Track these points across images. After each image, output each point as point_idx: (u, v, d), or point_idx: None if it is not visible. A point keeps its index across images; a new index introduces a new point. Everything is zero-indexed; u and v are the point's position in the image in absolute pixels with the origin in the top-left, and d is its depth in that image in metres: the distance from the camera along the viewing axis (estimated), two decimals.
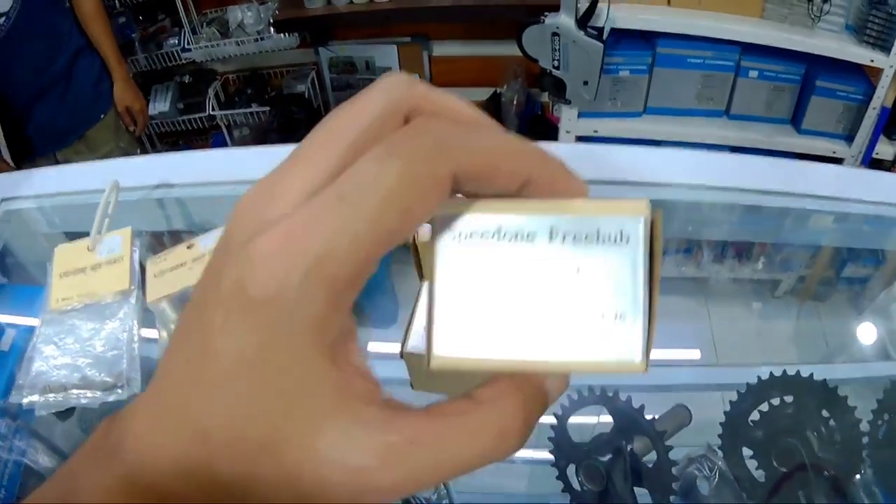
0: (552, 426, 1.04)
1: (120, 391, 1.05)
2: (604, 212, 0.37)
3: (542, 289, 0.36)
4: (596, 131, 3.12)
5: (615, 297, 0.36)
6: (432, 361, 0.36)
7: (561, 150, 1.68)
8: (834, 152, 3.12)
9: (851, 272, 1.64)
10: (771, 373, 1.05)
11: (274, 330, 0.30)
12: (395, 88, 0.36)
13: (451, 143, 0.33)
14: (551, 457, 1.04)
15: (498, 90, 3.45)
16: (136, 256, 1.18)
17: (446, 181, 0.33)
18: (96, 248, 1.19)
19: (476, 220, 0.37)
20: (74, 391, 1.06)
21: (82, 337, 1.10)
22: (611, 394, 1.00)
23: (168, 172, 1.41)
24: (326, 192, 0.32)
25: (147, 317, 1.13)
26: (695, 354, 1.36)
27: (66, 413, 1.09)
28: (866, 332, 1.42)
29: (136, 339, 1.10)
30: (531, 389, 0.36)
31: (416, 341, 0.87)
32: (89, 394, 1.06)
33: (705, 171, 1.47)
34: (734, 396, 1.06)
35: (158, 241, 1.31)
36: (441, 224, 0.37)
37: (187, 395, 0.31)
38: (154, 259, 1.17)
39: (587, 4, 2.68)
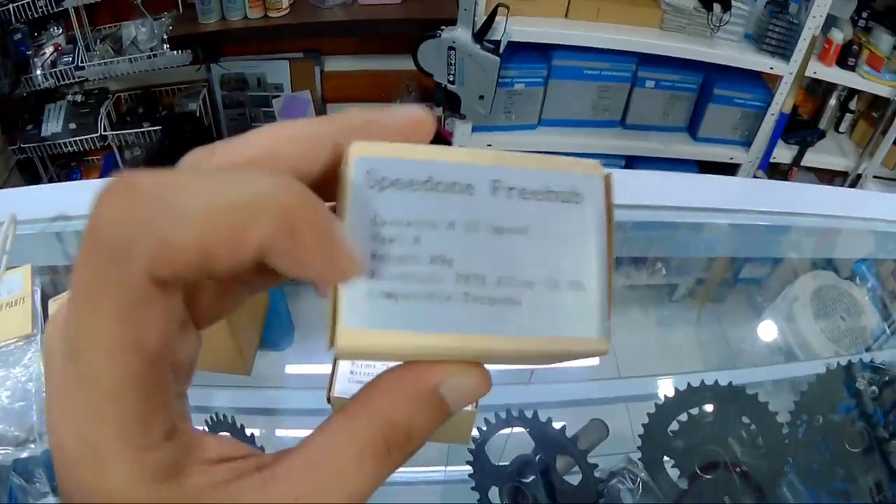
0: (470, 450, 1.02)
1: (32, 446, 1.00)
2: (552, 167, 0.32)
3: (481, 250, 0.30)
4: (489, 145, 3.10)
5: (571, 263, 0.31)
6: (340, 338, 0.29)
7: None
8: (731, 158, 3.20)
9: (749, 272, 1.67)
10: (688, 384, 1.05)
11: None
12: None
13: (133, 241, 0.25)
14: (471, 481, 1.02)
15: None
16: (38, 297, 1.13)
17: (139, 294, 0.26)
18: None
19: (402, 166, 0.31)
20: None
21: None
22: (529, 415, 0.99)
23: (64, 204, 1.34)
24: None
25: None
26: (595, 363, 1.36)
27: None
28: (767, 333, 1.45)
29: (43, 387, 1.05)
30: (389, 419, 0.30)
31: (342, 385, 0.84)
32: (1, 451, 1.00)
33: None
34: (642, 406, 1.06)
35: (60, 277, 1.25)
36: (358, 168, 0.30)
37: None
38: (56, 299, 1.11)
39: (484, 18, 2.68)
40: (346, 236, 0.28)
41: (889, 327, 1.41)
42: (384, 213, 0.30)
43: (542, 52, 3.00)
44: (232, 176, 0.27)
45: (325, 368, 0.86)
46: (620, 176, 1.59)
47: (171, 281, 0.26)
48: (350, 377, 0.84)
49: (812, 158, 3.29)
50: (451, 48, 2.73)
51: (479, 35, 2.71)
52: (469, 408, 0.73)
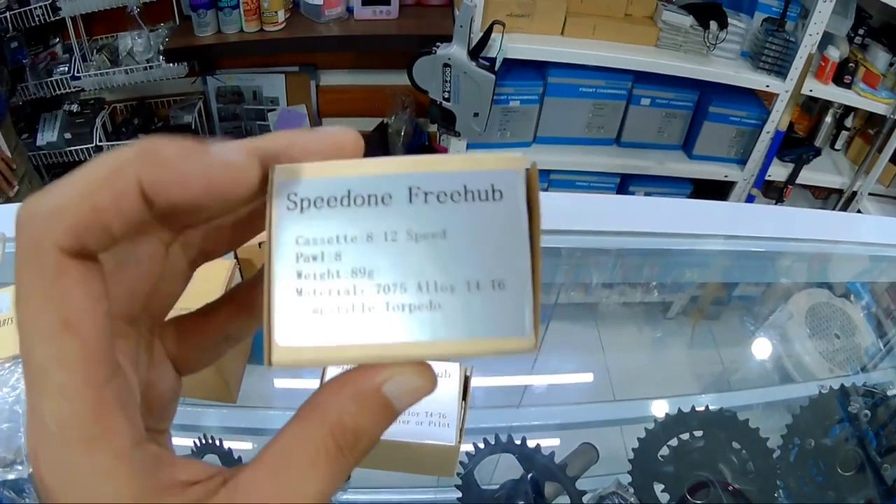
0: (459, 474, 1.01)
1: (20, 467, 0.99)
2: (471, 166, 0.32)
3: (401, 259, 0.31)
4: None
5: (492, 262, 0.31)
6: (273, 354, 0.30)
7: None
8: (726, 176, 3.20)
9: (743, 290, 1.66)
10: (679, 409, 1.04)
11: None
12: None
13: (39, 223, 0.28)
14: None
15: (385, 120, 3.41)
16: None
17: (53, 269, 0.27)
18: None
19: (321, 185, 0.32)
20: None
21: None
22: (518, 441, 0.99)
23: None
24: None
25: None
26: (589, 383, 1.35)
27: None
28: (761, 351, 1.44)
29: None
30: (339, 420, 0.31)
31: None
32: None
33: (589, 214, 1.46)
34: (635, 429, 1.06)
35: None
36: (278, 192, 0.32)
37: None
38: None
39: (480, 35, 2.68)
40: (223, 150, 0.30)
41: (884, 346, 1.41)
42: (306, 232, 0.31)
43: (537, 69, 3.00)
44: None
45: (314, 383, 0.84)
46: (613, 202, 1.59)
47: (78, 249, 0.28)
48: None
49: (807, 176, 3.30)
50: (446, 65, 2.73)
51: (475, 52, 2.71)
52: (452, 442, 0.73)
